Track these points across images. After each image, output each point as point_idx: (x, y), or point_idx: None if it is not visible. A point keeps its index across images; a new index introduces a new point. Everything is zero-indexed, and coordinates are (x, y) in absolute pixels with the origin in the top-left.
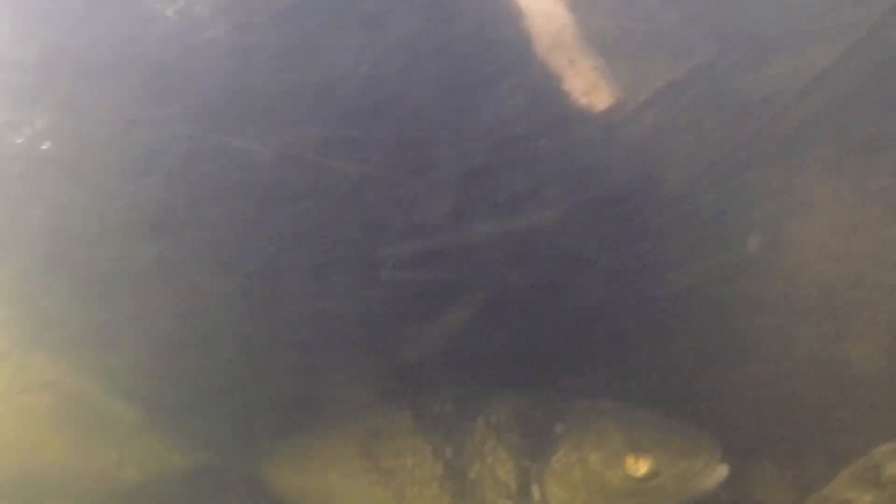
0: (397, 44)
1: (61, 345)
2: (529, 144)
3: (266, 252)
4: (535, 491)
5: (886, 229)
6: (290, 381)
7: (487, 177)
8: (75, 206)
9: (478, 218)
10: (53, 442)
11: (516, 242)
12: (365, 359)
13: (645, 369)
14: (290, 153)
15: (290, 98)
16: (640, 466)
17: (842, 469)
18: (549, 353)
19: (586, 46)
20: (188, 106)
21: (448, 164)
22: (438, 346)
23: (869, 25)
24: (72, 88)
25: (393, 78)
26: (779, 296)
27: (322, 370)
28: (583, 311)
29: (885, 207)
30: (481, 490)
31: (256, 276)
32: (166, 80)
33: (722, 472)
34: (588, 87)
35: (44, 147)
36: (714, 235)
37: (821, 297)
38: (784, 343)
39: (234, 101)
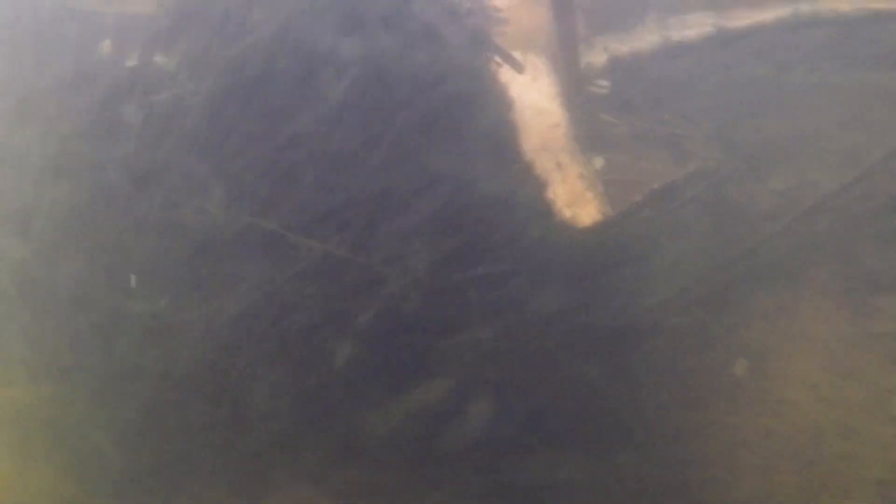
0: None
1: None
2: (504, 249)
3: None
4: None
5: (885, 378)
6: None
7: (461, 271)
8: None
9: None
10: None
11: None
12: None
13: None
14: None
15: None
16: None
17: None
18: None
19: (577, 149)
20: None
21: (418, 256)
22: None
23: (883, 154)
24: None
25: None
26: (761, 431)
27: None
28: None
29: (885, 353)
30: None
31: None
32: None
33: None
34: (573, 197)
35: None
36: (697, 353)
37: (807, 441)
38: (762, 484)
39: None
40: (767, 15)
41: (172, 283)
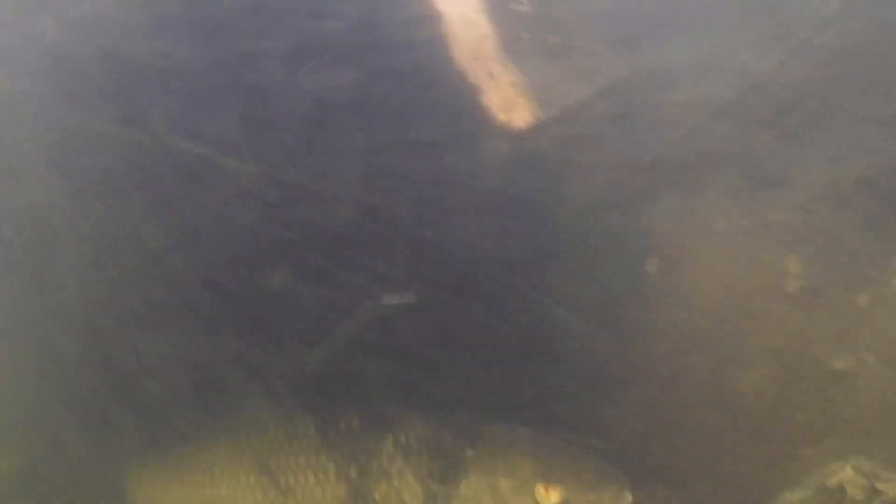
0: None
1: None
2: (436, 153)
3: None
4: None
5: (779, 261)
6: (172, 385)
7: (390, 180)
8: None
9: (380, 224)
10: None
11: (417, 253)
12: (263, 367)
13: (536, 392)
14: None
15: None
16: (550, 496)
17: (726, 492)
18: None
19: (506, 59)
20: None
21: (351, 170)
22: (341, 362)
23: (768, 67)
24: None
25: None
26: (672, 321)
27: (214, 377)
28: (478, 332)
29: (779, 240)
30: None
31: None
32: None
33: (628, 502)
34: (507, 103)
35: None
36: (613, 257)
37: (713, 324)
38: (674, 367)
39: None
40: None
41: (105, 205)
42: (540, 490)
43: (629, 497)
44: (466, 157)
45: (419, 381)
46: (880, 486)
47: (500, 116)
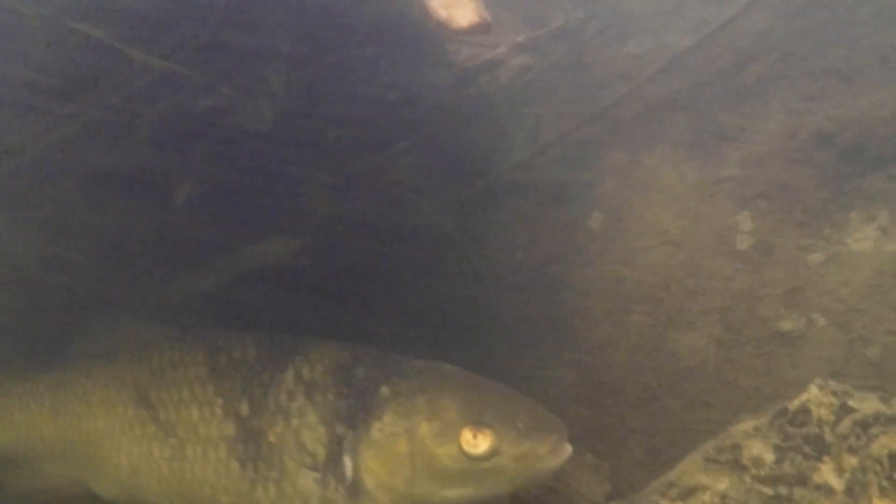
0: None
1: None
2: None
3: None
4: (347, 464)
5: (727, 218)
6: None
7: (317, 92)
8: None
9: (299, 141)
10: None
11: (336, 175)
12: (148, 283)
13: (460, 348)
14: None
15: None
16: (478, 442)
17: (659, 461)
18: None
19: None
20: None
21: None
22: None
23: (728, 16)
24: None
25: None
26: (613, 279)
27: (96, 291)
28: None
29: (729, 196)
30: (280, 457)
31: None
32: None
33: (566, 453)
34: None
35: None
36: (557, 207)
37: (656, 282)
38: (613, 328)
39: None
40: None
41: None
42: (467, 436)
43: (568, 449)
44: (406, 95)
45: (326, 310)
46: (853, 403)
47: (442, 13)
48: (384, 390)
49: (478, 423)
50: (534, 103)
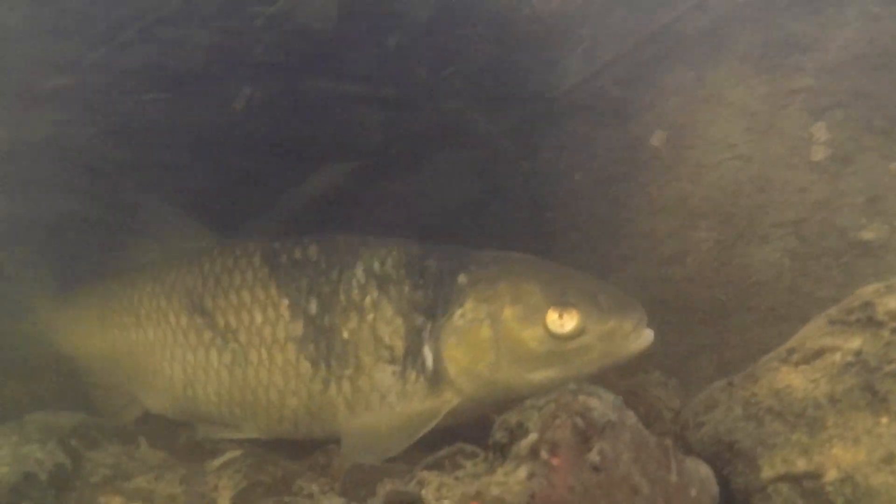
0: None
1: None
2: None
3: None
4: (427, 354)
5: (801, 131)
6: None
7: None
8: None
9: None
10: None
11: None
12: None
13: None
14: None
15: None
16: (564, 322)
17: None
18: None
19: None
20: None
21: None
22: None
23: None
24: None
25: None
26: (678, 196)
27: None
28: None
29: (801, 108)
30: (355, 354)
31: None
32: None
33: (649, 337)
34: None
35: None
36: (616, 127)
37: (724, 198)
38: (678, 244)
39: None
40: None
41: None
42: (552, 316)
43: (650, 334)
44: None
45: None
46: None
47: None
48: (462, 278)
49: (562, 303)
50: (589, 24)
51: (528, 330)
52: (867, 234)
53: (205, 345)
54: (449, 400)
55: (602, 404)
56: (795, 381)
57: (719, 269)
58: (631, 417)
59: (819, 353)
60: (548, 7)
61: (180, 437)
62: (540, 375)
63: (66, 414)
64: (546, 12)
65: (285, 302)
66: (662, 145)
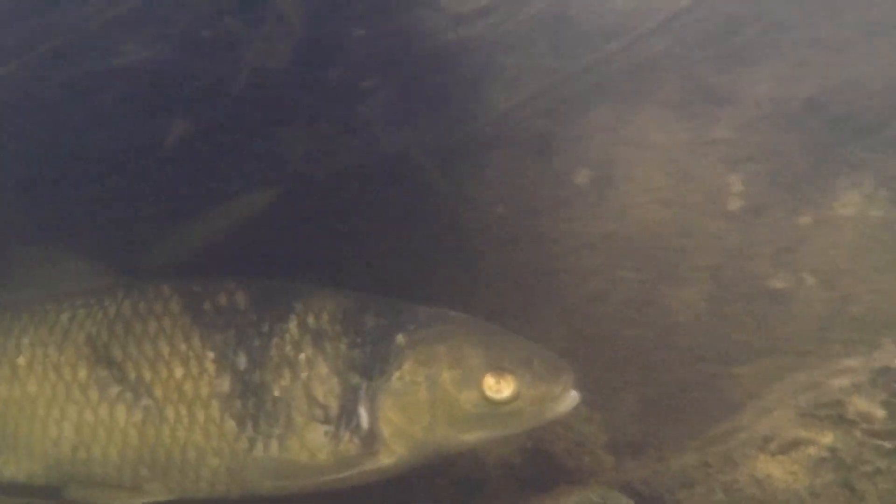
0: None
1: None
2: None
3: None
4: (363, 414)
5: (720, 179)
6: None
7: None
8: None
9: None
10: None
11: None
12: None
13: (445, 301)
14: None
15: None
16: (501, 387)
17: (654, 412)
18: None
19: None
20: None
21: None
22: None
23: None
24: None
25: None
26: (602, 234)
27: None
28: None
29: (720, 157)
30: (286, 413)
31: None
32: None
33: (574, 399)
34: None
35: None
36: (540, 162)
37: (647, 239)
38: (603, 283)
39: None
40: None
41: None
42: (489, 381)
43: (576, 394)
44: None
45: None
46: None
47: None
48: (400, 339)
49: (500, 369)
50: (513, 54)
51: (464, 394)
52: (776, 283)
53: (109, 401)
54: (382, 459)
55: None
56: (775, 471)
57: (642, 308)
58: None
59: (794, 445)
60: (472, 32)
61: None
62: (472, 436)
63: None
64: (469, 38)
65: (210, 355)
66: (587, 183)
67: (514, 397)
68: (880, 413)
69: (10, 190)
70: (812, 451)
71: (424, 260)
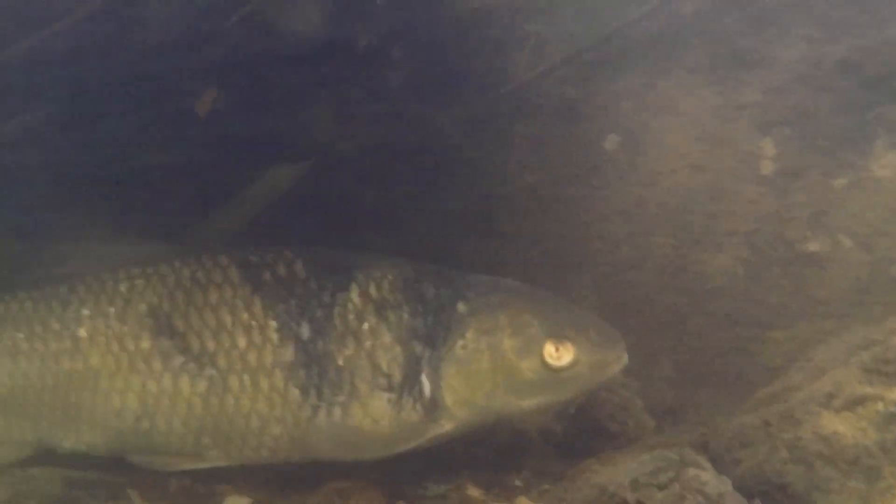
0: None
1: None
2: None
3: None
4: (425, 382)
5: (752, 143)
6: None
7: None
8: None
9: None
10: None
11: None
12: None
13: (472, 263)
14: None
15: None
16: (560, 355)
17: (689, 377)
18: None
19: None
20: None
21: None
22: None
23: None
24: None
25: None
26: (634, 201)
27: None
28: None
29: (751, 121)
30: (350, 381)
31: None
32: None
33: (625, 361)
34: None
35: None
36: (567, 129)
37: (679, 205)
38: (635, 250)
39: None
40: None
41: None
42: (549, 349)
43: (626, 357)
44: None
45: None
46: None
47: None
48: (461, 307)
49: (559, 337)
50: (537, 21)
51: (525, 361)
52: (812, 247)
53: (173, 371)
54: (443, 425)
55: (711, 476)
56: (841, 427)
57: (676, 274)
58: (727, 483)
59: (861, 401)
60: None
61: (170, 484)
62: (532, 402)
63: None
64: (493, 4)
65: (273, 324)
66: (616, 149)
67: (574, 364)
68: None
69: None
70: (880, 406)
71: (454, 231)
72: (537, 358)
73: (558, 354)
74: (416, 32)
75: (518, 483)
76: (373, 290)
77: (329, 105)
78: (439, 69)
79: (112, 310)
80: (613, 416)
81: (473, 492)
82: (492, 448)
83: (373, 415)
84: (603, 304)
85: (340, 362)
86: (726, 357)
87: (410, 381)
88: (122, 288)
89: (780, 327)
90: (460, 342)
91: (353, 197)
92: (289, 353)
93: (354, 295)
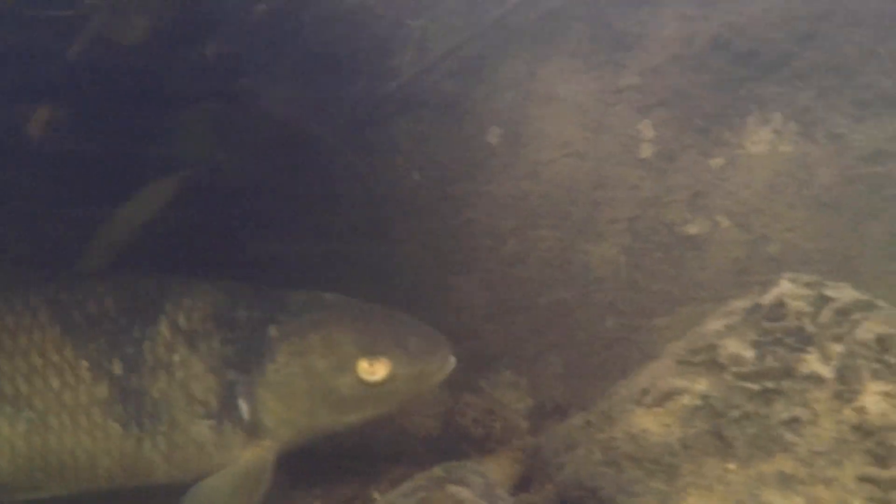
0: None
1: None
2: None
3: None
4: (243, 406)
5: (631, 126)
6: None
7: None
8: None
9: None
10: None
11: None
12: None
13: (361, 268)
14: None
15: None
16: (375, 370)
17: (579, 372)
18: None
19: None
20: None
21: None
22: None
23: None
24: None
25: None
26: (518, 194)
27: None
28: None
29: (630, 105)
30: (168, 412)
31: None
32: None
33: (451, 364)
34: None
35: None
36: (452, 124)
37: (562, 195)
38: (521, 244)
39: None
40: None
41: None
42: (363, 365)
43: (454, 362)
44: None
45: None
46: (829, 293)
47: None
48: (272, 331)
49: (373, 353)
50: (420, 15)
51: (340, 379)
52: (692, 229)
53: None
54: (269, 447)
55: (472, 492)
56: (650, 424)
57: (562, 266)
58: (503, 499)
59: (669, 395)
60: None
61: None
62: (354, 416)
63: None
64: (375, 1)
65: (85, 364)
66: (499, 142)
67: (391, 377)
68: (749, 354)
69: None
70: (686, 399)
71: (342, 237)
72: (352, 375)
73: (373, 370)
74: (290, 34)
75: None
76: (182, 321)
77: (201, 118)
78: (317, 72)
79: None
80: (478, 422)
81: None
82: None
83: (196, 441)
84: (491, 303)
85: (156, 395)
86: (612, 348)
87: (228, 407)
88: None
89: (663, 314)
90: (271, 366)
91: (237, 206)
92: (103, 391)
93: (163, 328)
